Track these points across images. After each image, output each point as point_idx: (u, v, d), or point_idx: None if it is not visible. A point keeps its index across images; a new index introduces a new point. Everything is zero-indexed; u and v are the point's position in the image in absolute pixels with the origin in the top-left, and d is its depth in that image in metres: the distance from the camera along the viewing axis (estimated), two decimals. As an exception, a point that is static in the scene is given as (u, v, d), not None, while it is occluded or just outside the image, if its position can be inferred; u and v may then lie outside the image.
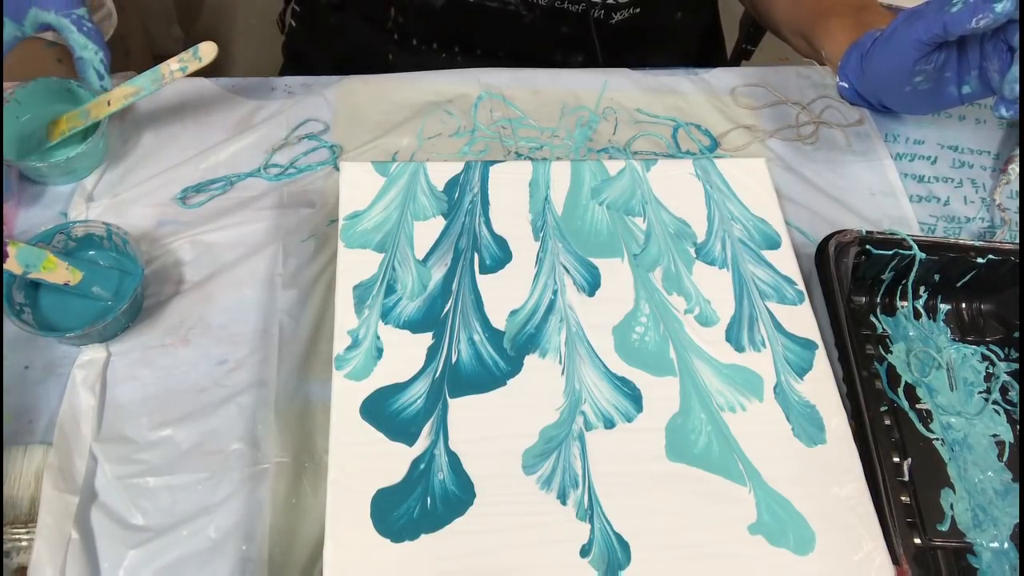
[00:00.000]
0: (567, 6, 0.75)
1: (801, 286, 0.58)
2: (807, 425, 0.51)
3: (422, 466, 0.48)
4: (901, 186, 0.67)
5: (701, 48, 0.90)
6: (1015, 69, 0.51)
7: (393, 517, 0.46)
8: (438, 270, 0.56)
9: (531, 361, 0.53)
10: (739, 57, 1.09)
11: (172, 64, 0.60)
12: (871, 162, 0.68)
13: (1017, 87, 0.51)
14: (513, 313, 0.55)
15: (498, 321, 0.54)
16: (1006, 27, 0.52)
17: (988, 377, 0.58)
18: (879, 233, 0.58)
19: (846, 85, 0.62)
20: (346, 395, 0.50)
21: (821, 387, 0.53)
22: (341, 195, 0.59)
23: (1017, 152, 0.69)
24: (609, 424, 0.51)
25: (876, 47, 0.58)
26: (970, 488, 0.53)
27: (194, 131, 0.65)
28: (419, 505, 0.47)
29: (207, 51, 0.60)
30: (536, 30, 0.73)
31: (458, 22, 0.76)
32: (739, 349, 0.54)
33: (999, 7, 0.49)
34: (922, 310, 0.61)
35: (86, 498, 0.48)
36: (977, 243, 0.58)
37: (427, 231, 0.58)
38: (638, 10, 0.77)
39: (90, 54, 0.58)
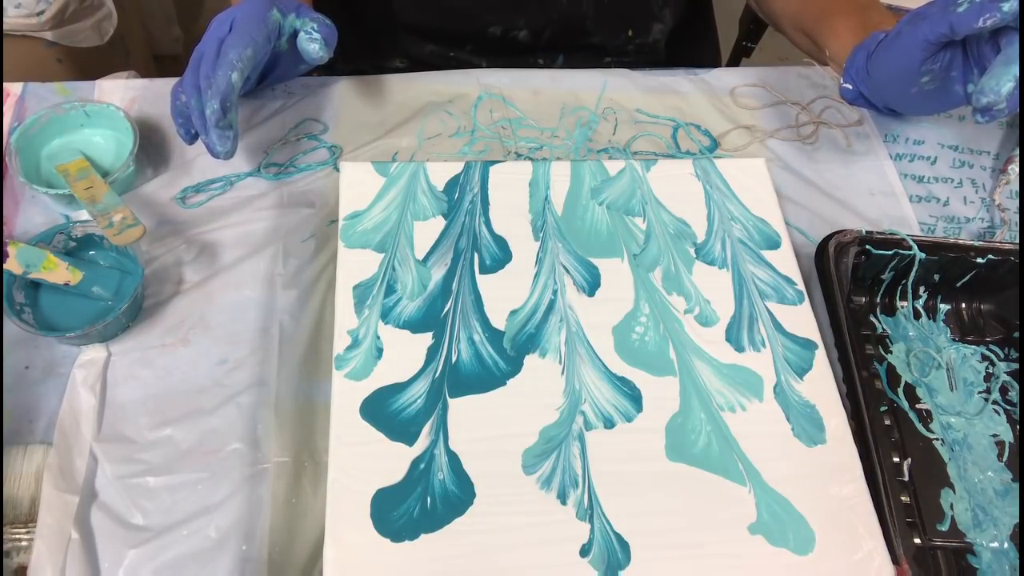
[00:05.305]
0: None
1: (801, 286, 0.58)
2: (807, 425, 0.51)
3: (422, 466, 0.48)
4: (901, 186, 0.67)
5: (693, 52, 0.90)
6: (984, 81, 0.51)
7: (393, 517, 0.46)
8: (438, 270, 0.56)
9: (531, 361, 0.53)
10: (739, 55, 1.09)
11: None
12: (871, 162, 0.68)
13: (984, 98, 0.51)
14: (513, 313, 0.55)
15: (498, 321, 0.54)
16: (1001, 30, 0.52)
17: (988, 377, 0.58)
18: (879, 233, 0.58)
19: (850, 87, 0.62)
20: (346, 395, 0.50)
21: (821, 387, 0.53)
22: (341, 195, 0.59)
23: (1017, 152, 0.69)
24: (609, 424, 0.51)
25: (881, 49, 0.58)
26: (970, 488, 0.53)
27: (194, 131, 0.65)
28: (419, 505, 0.47)
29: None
30: None
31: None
32: (739, 349, 0.54)
33: (1006, 7, 0.49)
34: (922, 310, 0.60)
35: (86, 498, 0.48)
36: (977, 243, 0.58)
37: (427, 231, 0.58)
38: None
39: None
